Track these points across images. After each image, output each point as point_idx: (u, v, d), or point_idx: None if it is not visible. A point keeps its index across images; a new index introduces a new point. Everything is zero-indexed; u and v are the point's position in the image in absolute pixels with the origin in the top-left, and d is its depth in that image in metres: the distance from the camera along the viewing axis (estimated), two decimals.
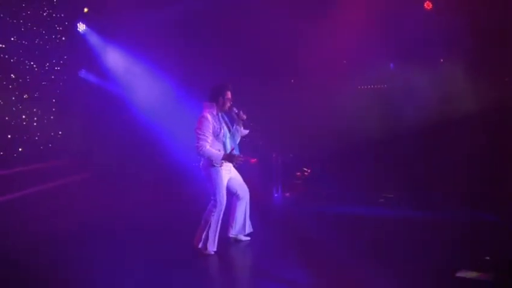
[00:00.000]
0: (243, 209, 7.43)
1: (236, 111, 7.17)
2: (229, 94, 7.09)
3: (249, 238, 7.58)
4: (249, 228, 7.56)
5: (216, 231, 6.96)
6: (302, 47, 12.06)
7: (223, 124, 7.07)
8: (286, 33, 11.95)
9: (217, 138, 6.92)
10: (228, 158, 6.87)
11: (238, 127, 7.25)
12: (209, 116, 6.91)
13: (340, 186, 11.74)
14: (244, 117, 7.19)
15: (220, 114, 7.10)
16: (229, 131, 7.14)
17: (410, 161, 11.67)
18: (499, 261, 6.48)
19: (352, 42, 11.75)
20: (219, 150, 6.91)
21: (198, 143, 6.78)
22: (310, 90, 12.28)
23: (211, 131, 6.86)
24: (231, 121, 7.25)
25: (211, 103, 7.04)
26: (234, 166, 7.12)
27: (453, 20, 11.08)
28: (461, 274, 6.00)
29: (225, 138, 7.01)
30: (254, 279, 6.39)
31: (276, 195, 11.46)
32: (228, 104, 7.10)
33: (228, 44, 12.50)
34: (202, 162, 7.03)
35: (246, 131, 7.31)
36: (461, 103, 10.94)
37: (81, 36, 13.15)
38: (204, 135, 6.79)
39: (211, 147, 6.87)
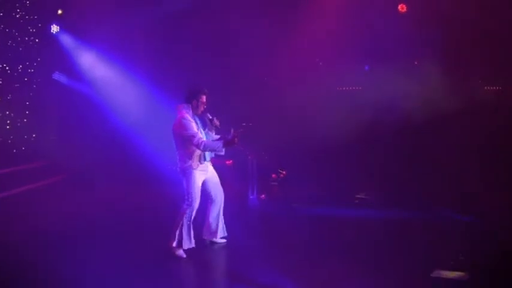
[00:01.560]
0: (216, 212, 7.42)
1: (210, 117, 7.22)
2: (204, 98, 7.11)
3: (224, 240, 7.58)
4: (222, 232, 7.54)
5: (189, 229, 7.01)
6: (277, 48, 12.11)
7: (199, 126, 7.10)
8: (261, 34, 11.97)
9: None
10: (229, 142, 6.78)
11: (209, 132, 7.27)
12: (188, 116, 6.95)
13: (315, 188, 11.71)
14: (218, 123, 7.23)
15: (194, 116, 7.10)
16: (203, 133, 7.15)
17: (386, 162, 11.72)
18: (473, 260, 6.55)
19: (327, 44, 11.85)
20: (194, 152, 6.91)
21: (193, 141, 6.76)
22: (285, 92, 12.25)
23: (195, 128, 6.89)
24: (203, 125, 7.26)
25: (187, 105, 7.07)
26: (236, 142, 6.81)
27: (427, 22, 11.22)
28: (436, 274, 6.08)
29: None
30: (228, 282, 6.40)
31: (251, 197, 11.33)
32: (202, 108, 7.13)
33: (203, 45, 12.52)
34: (178, 165, 7.04)
35: (217, 137, 7.28)
36: (435, 104, 11.03)
37: (55, 38, 13.04)
38: (194, 132, 6.82)
39: (186, 149, 6.89)
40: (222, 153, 6.96)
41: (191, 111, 7.06)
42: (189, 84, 7.46)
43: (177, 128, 6.94)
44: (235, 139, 6.72)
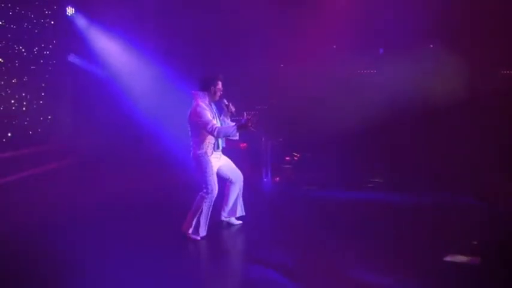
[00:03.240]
0: (235, 192, 7.53)
1: (226, 102, 7.26)
2: (220, 84, 7.15)
3: (240, 222, 7.67)
4: (240, 212, 7.66)
5: (207, 217, 7.06)
6: (291, 32, 12.00)
7: (215, 114, 7.16)
8: (276, 18, 11.91)
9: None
10: (243, 126, 6.79)
11: (225, 118, 7.33)
12: (203, 105, 6.98)
13: (330, 171, 11.69)
14: (233, 109, 7.28)
15: (210, 103, 7.16)
16: (218, 120, 7.19)
17: (401, 146, 11.72)
18: (486, 245, 6.54)
19: (341, 27, 11.76)
20: (208, 139, 7.00)
21: (207, 128, 6.81)
22: (300, 75, 12.21)
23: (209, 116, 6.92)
24: (219, 111, 7.32)
25: (204, 92, 7.11)
26: (250, 125, 6.80)
27: (444, 5, 11.09)
28: (449, 258, 6.07)
29: None
30: (243, 263, 6.51)
31: (265, 179, 11.41)
32: (219, 94, 7.17)
33: (220, 28, 12.45)
34: (192, 152, 7.09)
35: (232, 123, 7.21)
36: (449, 89, 10.95)
37: (70, 20, 12.99)
38: (208, 119, 6.85)
39: (201, 136, 6.96)
40: (236, 137, 6.97)
41: (207, 98, 7.10)
42: (203, 71, 7.56)
43: (192, 115, 6.99)
44: (249, 123, 6.72)
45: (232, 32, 12.47)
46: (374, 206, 9.16)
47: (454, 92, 10.87)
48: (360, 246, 6.75)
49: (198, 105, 6.98)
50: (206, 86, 7.12)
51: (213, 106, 7.21)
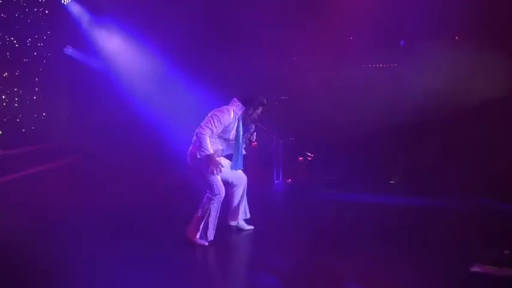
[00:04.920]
0: (239, 196, 7.27)
1: (253, 130, 7.16)
2: (260, 110, 7.05)
3: (252, 227, 7.37)
4: (244, 215, 7.36)
5: (215, 220, 6.75)
6: (307, 24, 11.76)
7: (235, 129, 6.92)
8: (291, 9, 11.74)
9: (220, 134, 6.77)
10: (210, 159, 6.59)
11: (241, 143, 7.06)
12: (233, 114, 6.80)
13: (343, 172, 11.57)
14: (253, 139, 7.22)
15: (240, 118, 6.94)
16: (234, 139, 7.00)
17: (420, 147, 11.43)
18: None
19: (360, 18, 11.42)
20: (215, 144, 6.76)
21: (206, 124, 6.62)
22: (315, 71, 11.96)
23: (224, 125, 6.71)
24: (245, 130, 7.08)
25: (242, 105, 6.95)
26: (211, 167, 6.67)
27: None
28: (476, 269, 5.59)
29: (226, 141, 6.91)
30: (250, 270, 6.17)
31: (276, 181, 11.23)
32: (253, 118, 7.05)
33: (228, 21, 12.13)
34: (190, 150, 6.81)
35: (244, 152, 7.12)
36: (474, 85, 10.42)
37: (66, 10, 12.56)
38: (214, 124, 6.64)
39: (211, 138, 6.69)
40: (199, 156, 6.59)
41: (241, 112, 6.92)
42: (255, 90, 7.41)
43: (216, 109, 6.78)
44: (213, 163, 6.55)
45: (240, 28, 12.05)
46: (392, 209, 8.91)
47: (479, 87, 10.39)
48: (378, 252, 6.42)
49: (228, 109, 6.80)
50: (248, 103, 6.96)
51: (240, 122, 6.97)
